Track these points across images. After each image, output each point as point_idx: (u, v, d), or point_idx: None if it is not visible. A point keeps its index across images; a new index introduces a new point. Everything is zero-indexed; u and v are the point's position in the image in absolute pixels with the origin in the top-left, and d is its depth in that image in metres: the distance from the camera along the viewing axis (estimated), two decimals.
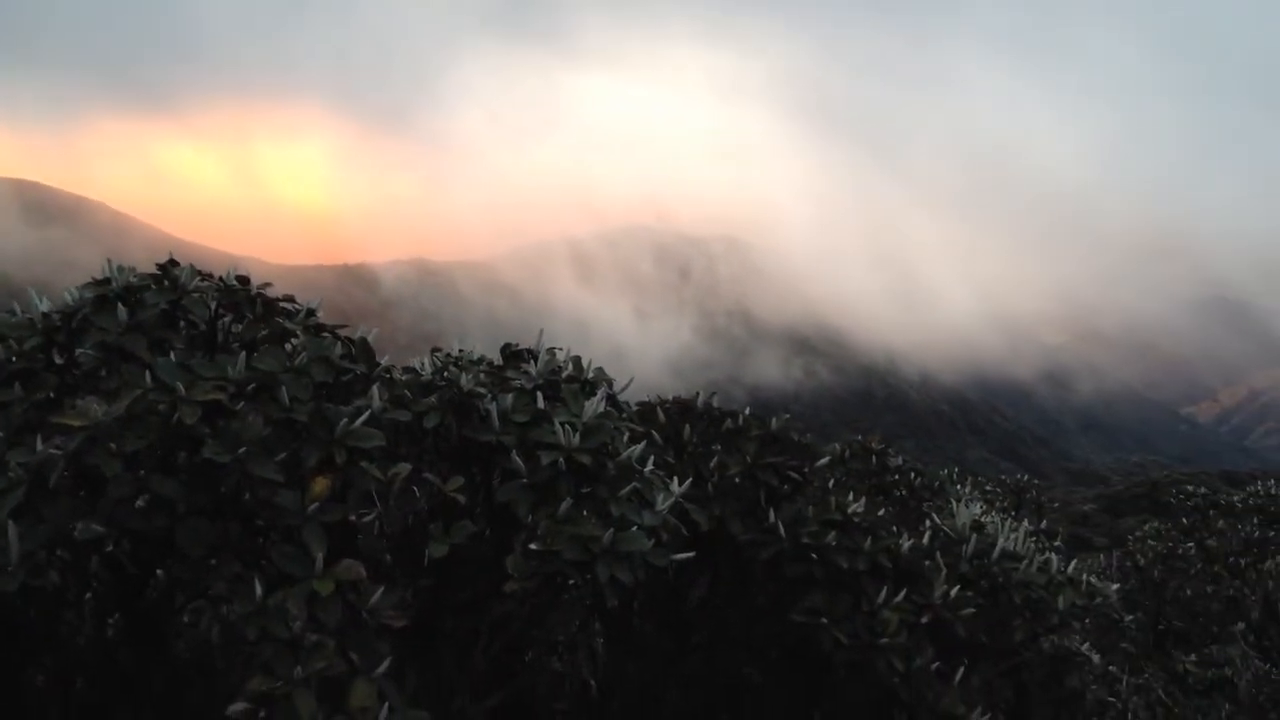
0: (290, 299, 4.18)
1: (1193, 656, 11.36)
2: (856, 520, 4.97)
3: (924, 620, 4.82)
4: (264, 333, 4.00)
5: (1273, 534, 13.30)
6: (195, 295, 4.00)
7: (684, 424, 5.26)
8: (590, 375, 4.57)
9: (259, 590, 3.17)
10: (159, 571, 3.93)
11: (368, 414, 3.61)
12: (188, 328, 4.05)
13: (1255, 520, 13.59)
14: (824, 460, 5.60)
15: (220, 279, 4.11)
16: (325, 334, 4.06)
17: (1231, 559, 13.16)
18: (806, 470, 5.26)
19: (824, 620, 4.66)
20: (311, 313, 4.14)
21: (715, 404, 5.51)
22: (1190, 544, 13.89)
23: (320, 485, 3.39)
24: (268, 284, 4.15)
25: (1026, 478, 16.40)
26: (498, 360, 4.64)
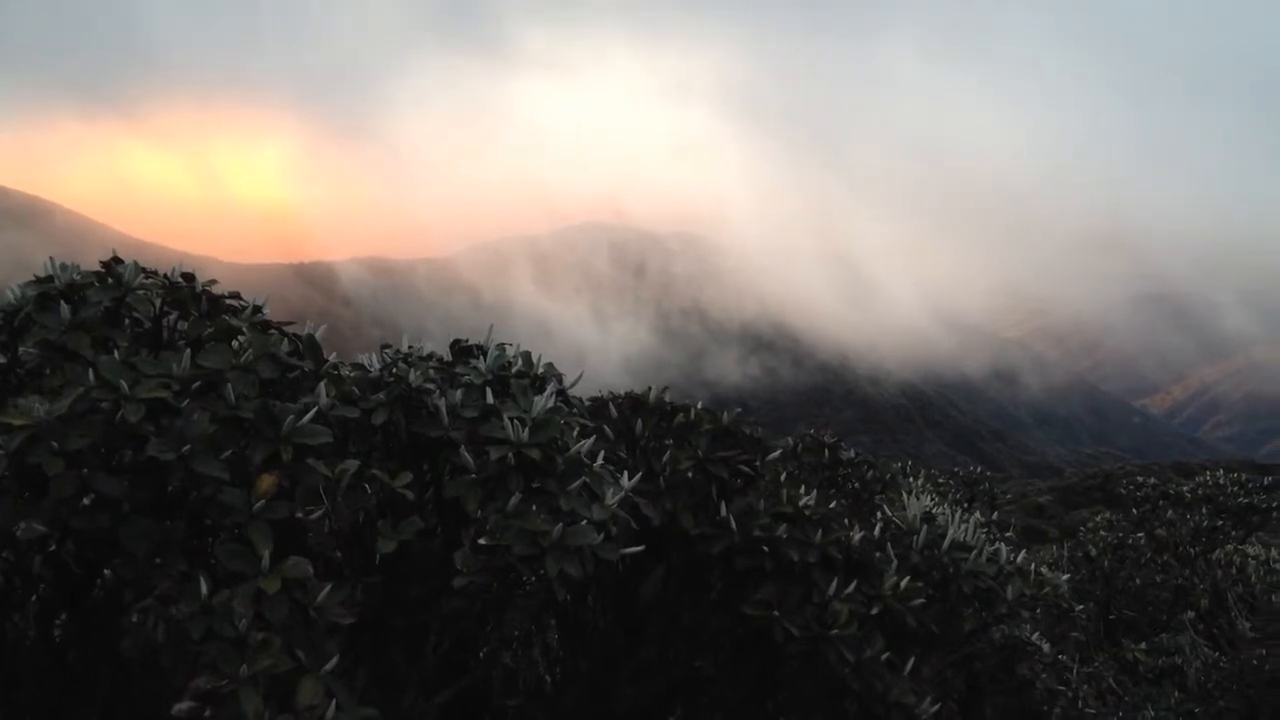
0: (236, 296, 4.16)
1: (1143, 645, 11.50)
2: (808, 513, 5.00)
3: (874, 611, 4.85)
4: (209, 330, 3.97)
5: (1221, 523, 13.49)
6: (140, 293, 3.96)
7: (636, 419, 5.27)
8: (540, 371, 4.57)
9: (204, 588, 3.15)
10: (105, 571, 3.90)
11: (315, 411, 3.59)
12: (132, 325, 4.01)
13: (1204, 510, 13.79)
14: (776, 454, 5.63)
15: (165, 276, 4.07)
16: (272, 331, 4.04)
17: (1181, 548, 13.33)
18: (758, 464, 5.28)
19: (775, 612, 4.69)
20: (258, 309, 4.11)
21: (668, 399, 5.52)
22: (1140, 534, 14.07)
23: (266, 482, 3.37)
24: (213, 281, 4.12)
25: (980, 470, 16.53)
26: (447, 356, 4.63)
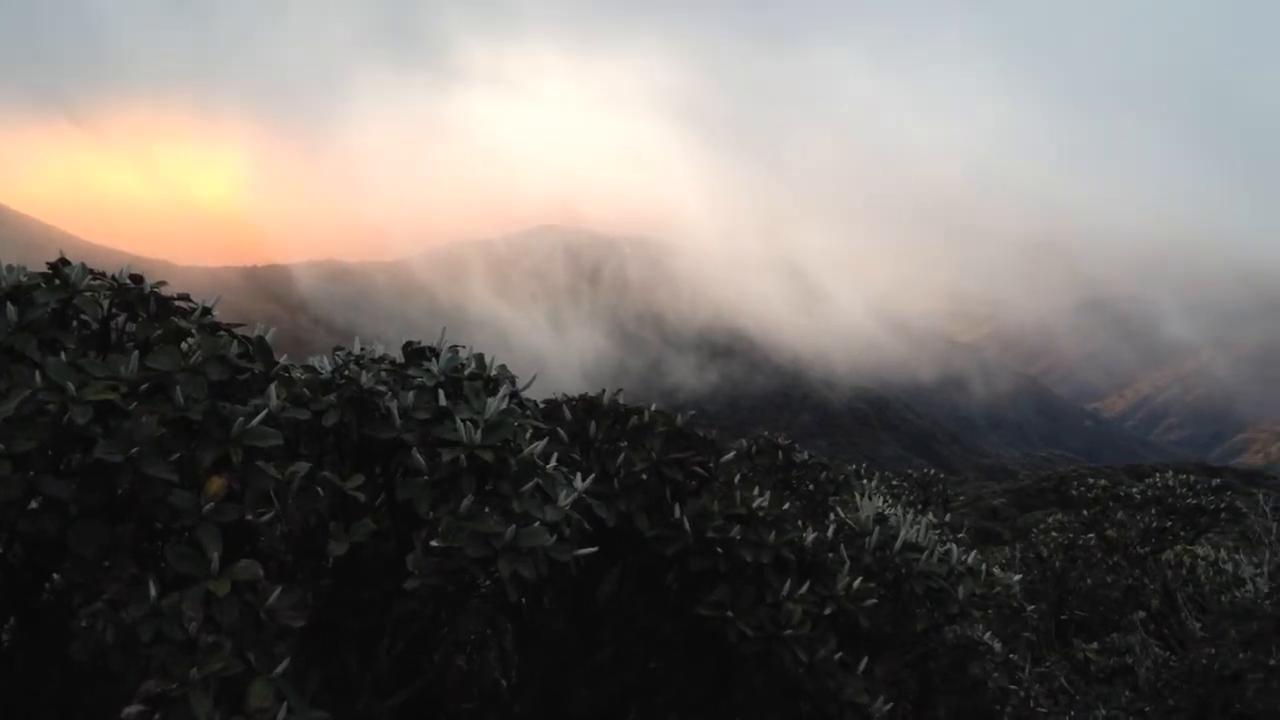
0: (186, 297, 4.13)
1: (1094, 645, 11.63)
2: (762, 514, 5.02)
3: (828, 612, 4.89)
4: (158, 332, 3.94)
5: (1171, 524, 13.64)
6: (87, 294, 3.93)
7: (590, 421, 5.27)
8: (493, 373, 4.57)
9: (154, 591, 3.13)
10: (54, 575, 3.86)
11: (265, 413, 3.58)
12: (79, 327, 3.98)
13: (1154, 511, 13.94)
14: (730, 456, 5.66)
15: (113, 278, 4.04)
16: (222, 333, 4.01)
17: (1131, 549, 13.48)
18: (712, 465, 5.30)
19: (729, 613, 4.71)
20: (207, 311, 4.08)
21: (622, 401, 5.53)
22: (1091, 535, 14.21)
23: (216, 485, 3.35)
24: (162, 282, 4.09)
25: (934, 472, 16.65)
26: (400, 359, 4.62)
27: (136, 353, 3.56)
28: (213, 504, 3.33)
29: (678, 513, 4.89)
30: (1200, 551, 13.89)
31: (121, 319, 4.06)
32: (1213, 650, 9.77)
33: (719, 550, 4.82)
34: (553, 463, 4.20)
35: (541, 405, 5.20)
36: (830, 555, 5.23)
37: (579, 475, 4.30)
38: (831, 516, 5.83)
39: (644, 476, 5.01)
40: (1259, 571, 12.86)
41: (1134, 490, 14.81)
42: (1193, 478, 15.24)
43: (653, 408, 5.48)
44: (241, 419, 3.51)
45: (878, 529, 5.65)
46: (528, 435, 4.20)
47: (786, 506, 5.34)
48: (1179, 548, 13.77)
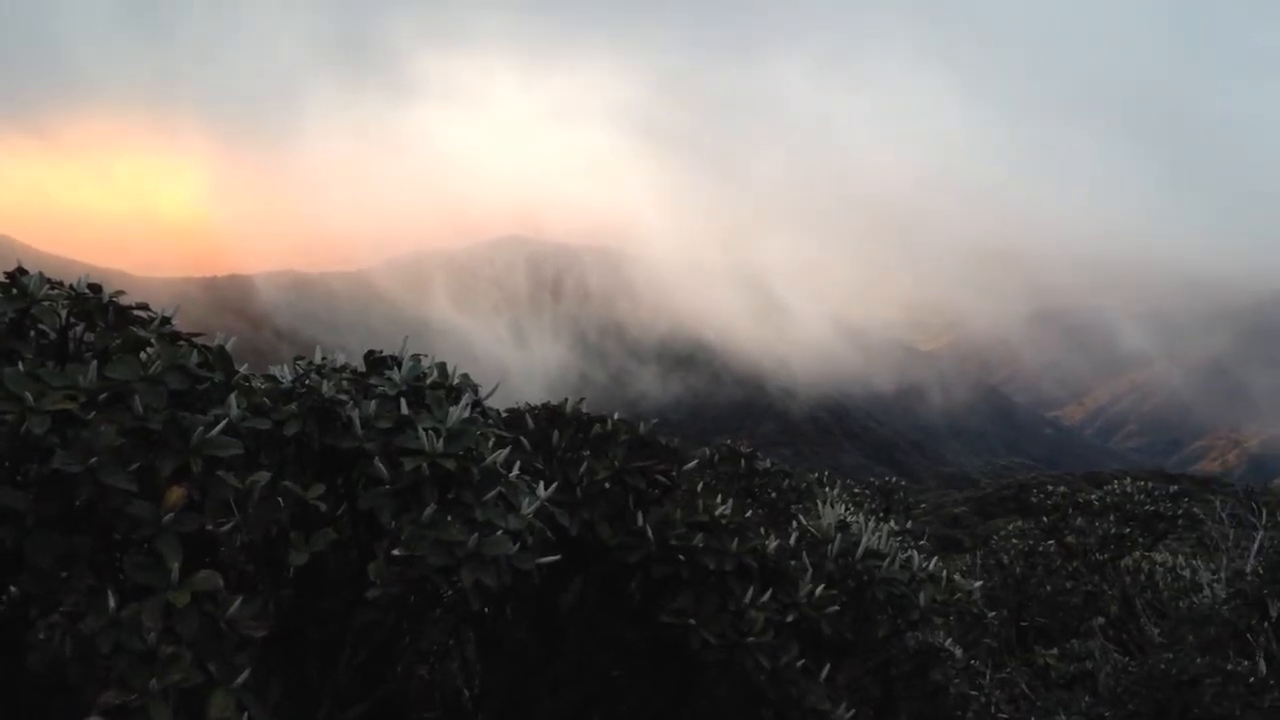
0: (145, 307, 4.10)
1: (1054, 651, 11.71)
2: (724, 522, 5.04)
3: (790, 619, 4.91)
4: (117, 341, 3.91)
5: (1129, 530, 13.76)
6: (45, 304, 3.90)
7: (553, 430, 5.28)
8: (455, 382, 4.56)
9: (113, 602, 3.10)
10: (11, 586, 3.82)
11: (225, 422, 3.56)
12: (37, 337, 3.94)
13: (1112, 518, 14.05)
14: (693, 464, 5.68)
15: (72, 287, 4.01)
16: (181, 342, 3.99)
17: (1090, 556, 13.59)
18: (675, 474, 5.32)
19: (692, 621, 4.72)
20: (166, 320, 4.06)
21: (584, 410, 5.54)
22: (1051, 541, 14.31)
23: (175, 495, 3.33)
24: (121, 292, 4.06)
25: (896, 480, 16.73)
26: (362, 368, 4.60)
27: (95, 362, 3.54)
28: (172, 514, 3.31)
29: (640, 521, 4.90)
30: (1159, 558, 14.04)
31: (80, 329, 4.03)
32: (1171, 655, 9.86)
33: (682, 558, 4.84)
34: (515, 471, 4.19)
35: (504, 414, 5.20)
36: (793, 563, 5.25)
37: (542, 484, 4.29)
38: (794, 524, 5.85)
39: (607, 485, 5.02)
40: (1216, 577, 13.00)
41: (1093, 497, 14.92)
42: (1151, 485, 15.37)
43: (615, 416, 5.49)
44: (201, 428, 3.49)
45: (840, 536, 5.67)
46: (490, 444, 4.19)
47: (749, 514, 5.36)
48: (1138, 554, 13.90)
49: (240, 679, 3.16)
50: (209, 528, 3.44)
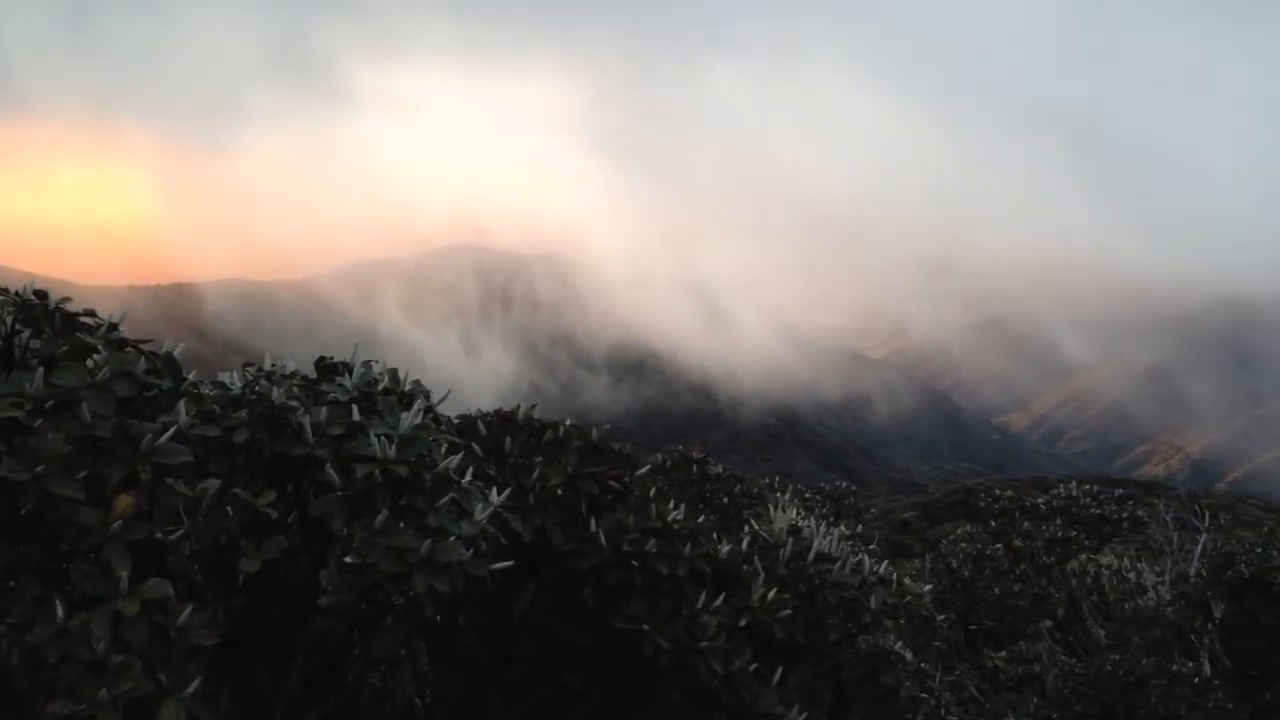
0: (91, 313, 4.05)
1: (1002, 653, 11.83)
2: (677, 527, 5.05)
3: (743, 623, 4.93)
4: (63, 348, 3.86)
5: (1075, 533, 13.93)
6: None
7: (505, 436, 5.27)
8: (407, 388, 4.54)
9: (60, 612, 3.06)
10: None
11: (174, 429, 3.53)
12: None
13: (1059, 521, 14.22)
14: (645, 469, 5.69)
15: (17, 294, 3.95)
16: (129, 349, 3.95)
17: (1037, 559, 13.75)
18: (627, 479, 5.32)
19: (645, 626, 4.73)
20: (114, 327, 4.01)
21: (537, 416, 5.53)
22: (999, 545, 14.46)
23: (124, 503, 3.30)
24: (67, 299, 4.01)
25: (846, 485, 16.83)
26: (313, 375, 4.57)
27: (41, 369, 3.49)
28: (121, 522, 3.27)
29: (593, 526, 4.90)
30: (1104, 561, 14.23)
31: (25, 335, 3.97)
32: (1117, 657, 10.00)
33: (635, 563, 4.85)
34: (468, 477, 4.18)
35: (456, 421, 5.19)
36: (745, 567, 5.27)
37: (495, 490, 4.29)
38: (746, 529, 5.88)
39: (559, 491, 5.02)
40: (1161, 580, 13.19)
41: (1039, 501, 15.10)
42: (1096, 488, 15.57)
43: (568, 422, 5.49)
44: (150, 436, 3.45)
45: (792, 541, 5.71)
46: (443, 450, 4.18)
47: (701, 519, 5.38)
48: (1084, 557, 14.08)
49: (191, 688, 3.14)
50: (158, 536, 3.41)
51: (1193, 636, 11.03)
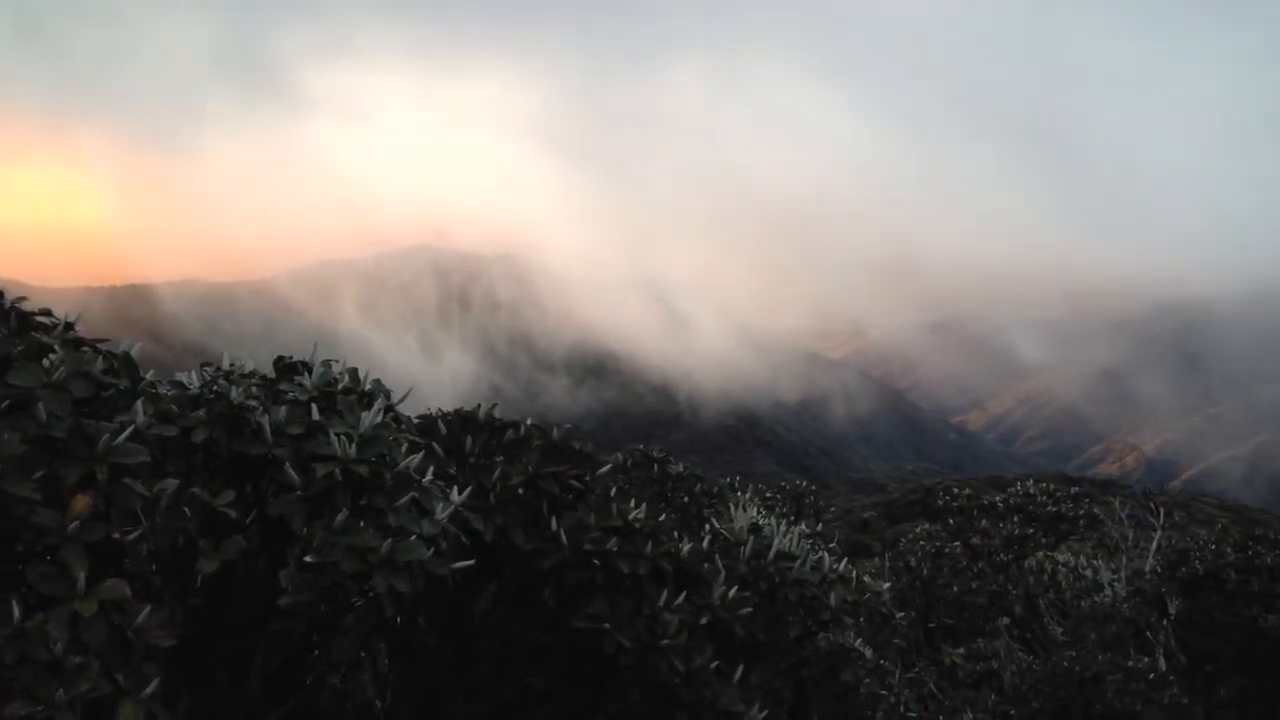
0: (48, 313, 4.01)
1: (961, 650, 11.92)
2: (638, 526, 5.06)
3: (704, 621, 4.95)
4: (19, 348, 3.81)
5: (1032, 531, 14.05)
6: None
7: (465, 435, 5.26)
8: (368, 387, 4.53)
9: (17, 613, 3.03)
10: None
11: (131, 429, 3.50)
12: None
13: (1016, 519, 14.34)
14: (606, 469, 5.69)
15: None
16: (85, 348, 3.91)
17: (995, 556, 13.86)
18: (588, 478, 5.33)
19: (606, 625, 4.73)
20: (70, 326, 3.97)
21: (497, 415, 5.52)
22: (957, 543, 14.56)
23: (81, 503, 3.27)
24: (22, 298, 3.97)
25: (806, 484, 16.89)
26: (271, 375, 4.55)
27: None
28: (78, 523, 3.24)
29: (554, 526, 4.91)
30: (1061, 558, 14.36)
31: None
32: (1074, 653, 10.10)
33: (596, 562, 4.85)
34: (429, 476, 4.18)
35: (416, 421, 5.17)
36: (706, 565, 5.29)
37: (455, 489, 4.28)
38: (707, 527, 5.90)
39: (520, 490, 5.02)
40: (1117, 577, 13.33)
41: (997, 499, 15.22)
42: (1052, 486, 15.71)
43: (529, 422, 5.49)
44: (107, 436, 3.42)
45: (752, 539, 5.73)
46: (404, 449, 4.17)
47: (662, 518, 5.39)
48: (1041, 554, 14.21)
49: (149, 689, 3.11)
50: (115, 536, 3.38)
51: (1148, 632, 11.16)
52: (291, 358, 4.58)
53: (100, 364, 3.79)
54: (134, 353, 3.99)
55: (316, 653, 4.76)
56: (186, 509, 3.70)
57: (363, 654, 5.71)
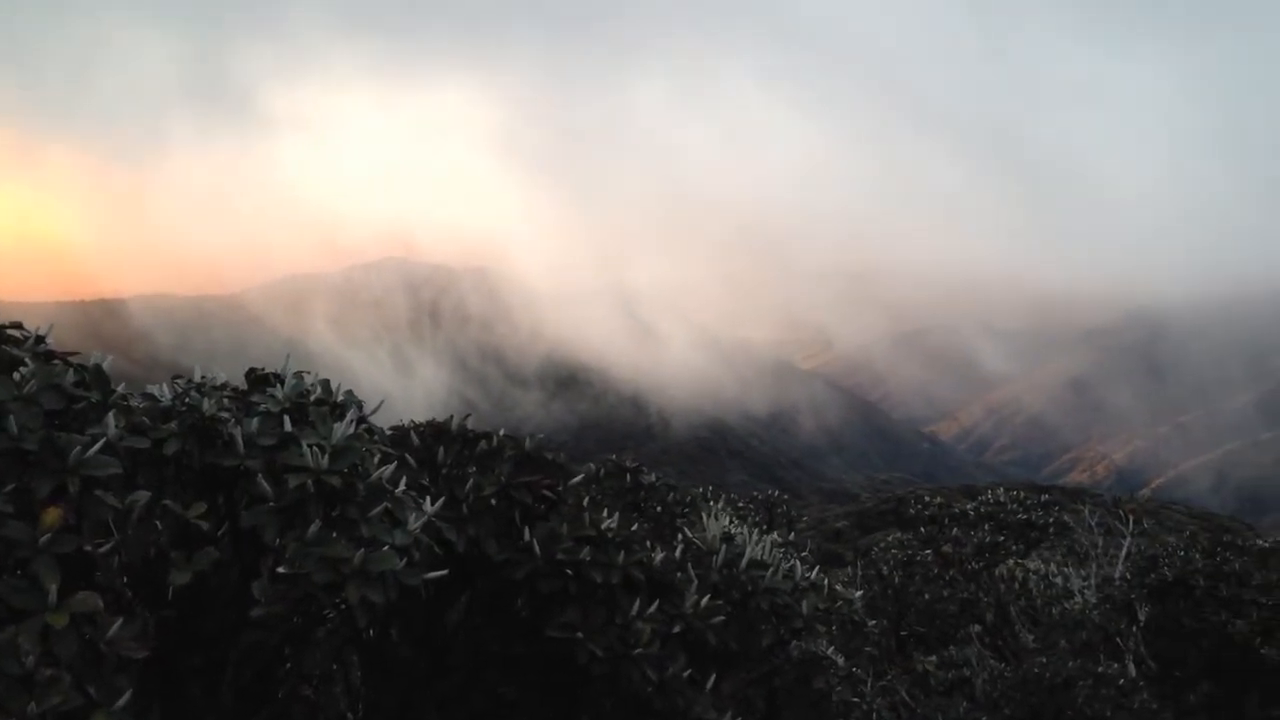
0: (18, 325, 4.00)
1: (933, 658, 11.95)
2: (610, 535, 5.07)
3: (676, 630, 4.96)
4: None
5: (1003, 539, 14.14)
6: None
7: (438, 446, 5.27)
8: (340, 398, 4.53)
9: None
10: None
11: (103, 442, 3.50)
12: None
13: (987, 527, 14.43)
14: (578, 478, 5.70)
15: None
16: (56, 361, 3.90)
17: (966, 564, 13.93)
18: (561, 489, 5.34)
19: (579, 634, 4.74)
20: (41, 339, 3.97)
21: (470, 426, 5.53)
22: (928, 552, 14.63)
23: (52, 515, 3.26)
24: None
25: (779, 494, 16.93)
26: (243, 387, 4.54)
27: None
28: (49, 535, 3.24)
29: (527, 536, 4.91)
30: (1032, 566, 14.44)
31: None
32: (1044, 660, 10.16)
33: (569, 572, 4.86)
34: (401, 487, 4.18)
35: (389, 432, 5.17)
36: (679, 574, 5.30)
37: (428, 499, 4.28)
38: (679, 537, 5.90)
39: (493, 501, 5.03)
40: (1087, 584, 13.42)
41: (968, 507, 15.30)
42: (1023, 494, 15.81)
43: (501, 432, 5.50)
44: (79, 448, 3.42)
45: (725, 548, 5.75)
46: (376, 460, 4.18)
47: (635, 528, 5.40)
48: (1011, 562, 14.29)
49: (121, 701, 3.11)
50: (87, 549, 3.38)
51: (1118, 639, 11.24)
52: (264, 369, 4.58)
53: (72, 377, 3.79)
54: (105, 366, 3.98)
55: (289, 665, 4.75)
56: (158, 521, 3.70)
57: (335, 666, 5.70)
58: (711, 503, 9.57)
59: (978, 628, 13.14)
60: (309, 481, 3.81)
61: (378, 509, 3.94)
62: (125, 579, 3.76)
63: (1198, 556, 11.56)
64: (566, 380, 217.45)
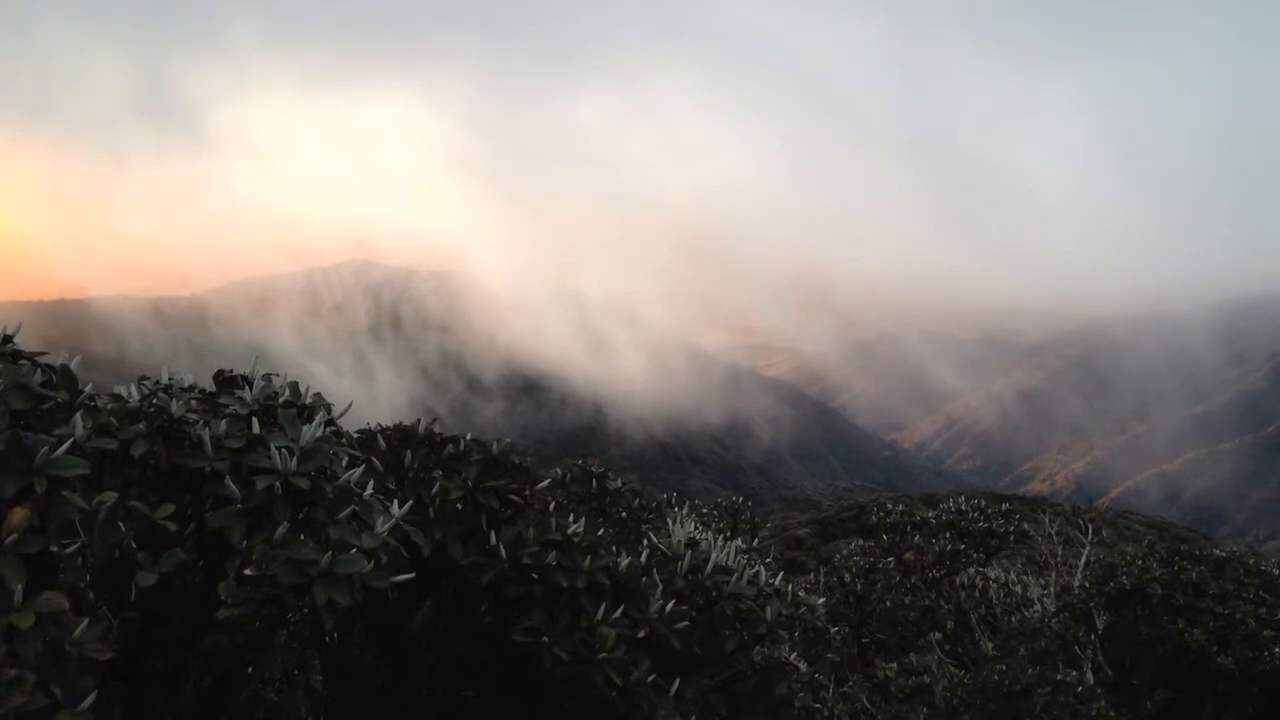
0: None
1: (893, 665, 12.01)
2: (576, 540, 5.09)
3: (641, 634, 4.98)
4: None
5: (964, 547, 14.24)
6: None
7: (405, 450, 5.27)
8: (309, 401, 4.53)
9: None
10: None
11: (70, 442, 3.48)
12: None
13: (948, 535, 14.52)
14: (545, 483, 5.72)
15: None
16: (23, 361, 3.88)
17: (927, 572, 14.01)
18: (527, 493, 5.35)
19: (544, 638, 4.75)
20: (8, 339, 3.95)
21: (437, 430, 5.54)
22: (890, 559, 14.71)
23: (18, 516, 3.25)
24: None
25: (742, 500, 16.97)
26: (211, 388, 4.53)
27: None
28: (15, 535, 3.22)
29: (493, 539, 4.92)
30: (992, 574, 14.55)
31: None
32: (1003, 667, 10.23)
33: (534, 576, 4.87)
34: (369, 490, 4.18)
35: (356, 435, 5.17)
36: (644, 579, 5.33)
37: (396, 502, 4.29)
38: (645, 542, 5.93)
39: (459, 504, 5.03)
40: (1046, 592, 13.53)
41: (930, 515, 15.39)
42: (983, 503, 15.92)
43: (469, 436, 5.50)
44: (45, 449, 3.40)
45: (689, 554, 5.77)
46: (344, 463, 4.18)
47: (600, 533, 5.42)
48: (972, 570, 14.39)
49: (86, 702, 3.10)
50: (53, 549, 3.36)
51: (1076, 647, 11.33)
52: (232, 371, 4.57)
53: (39, 377, 3.77)
54: (73, 366, 3.96)
55: (251, 668, 4.74)
56: (122, 523, 3.68)
57: (296, 670, 5.68)
58: (676, 508, 9.60)
59: (938, 635, 13.20)
60: (277, 483, 3.81)
61: (345, 512, 3.94)
62: (88, 579, 3.75)
63: (1155, 565, 11.67)
64: (527, 387, 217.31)
